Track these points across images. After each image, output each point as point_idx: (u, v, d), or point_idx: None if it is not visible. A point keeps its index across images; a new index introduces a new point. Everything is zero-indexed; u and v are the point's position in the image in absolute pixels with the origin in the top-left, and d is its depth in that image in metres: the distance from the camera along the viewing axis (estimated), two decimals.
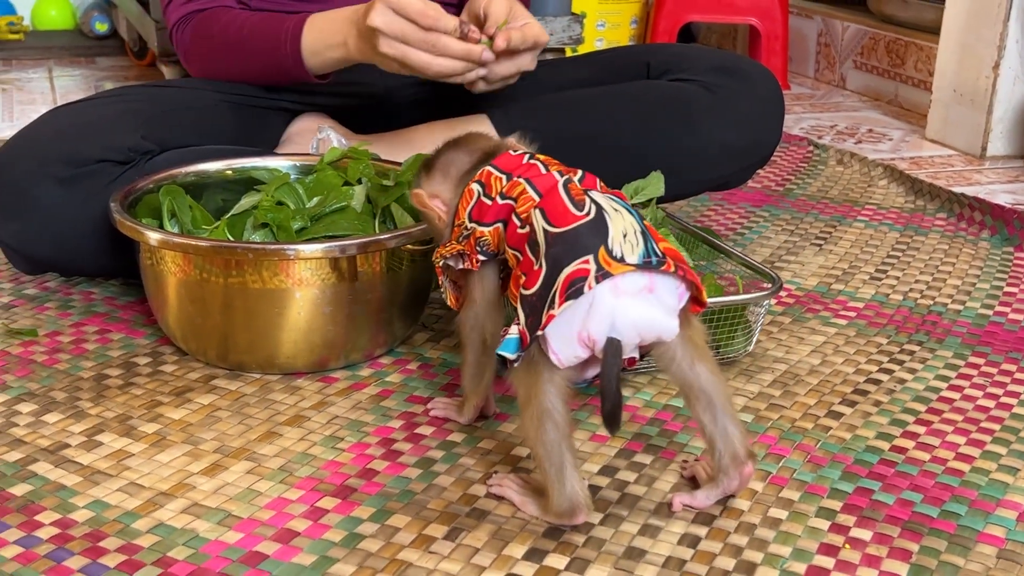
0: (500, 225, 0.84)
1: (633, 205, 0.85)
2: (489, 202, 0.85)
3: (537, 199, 0.82)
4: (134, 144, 1.16)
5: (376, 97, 1.39)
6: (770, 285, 1.06)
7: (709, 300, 0.92)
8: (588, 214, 0.77)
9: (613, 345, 0.75)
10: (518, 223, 0.82)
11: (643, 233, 0.77)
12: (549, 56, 2.09)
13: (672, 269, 0.76)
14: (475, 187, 0.87)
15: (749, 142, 1.32)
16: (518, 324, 0.78)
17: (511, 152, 0.89)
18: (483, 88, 1.22)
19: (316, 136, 1.31)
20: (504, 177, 0.86)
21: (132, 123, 1.19)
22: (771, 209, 1.57)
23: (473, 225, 0.86)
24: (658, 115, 1.29)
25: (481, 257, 0.86)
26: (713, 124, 1.28)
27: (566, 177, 0.82)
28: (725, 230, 1.48)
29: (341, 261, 0.98)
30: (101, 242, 1.13)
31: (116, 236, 1.06)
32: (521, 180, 0.84)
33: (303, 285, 0.98)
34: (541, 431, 0.78)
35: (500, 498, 0.85)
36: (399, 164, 1.18)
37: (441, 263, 0.89)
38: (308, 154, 1.25)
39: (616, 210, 0.78)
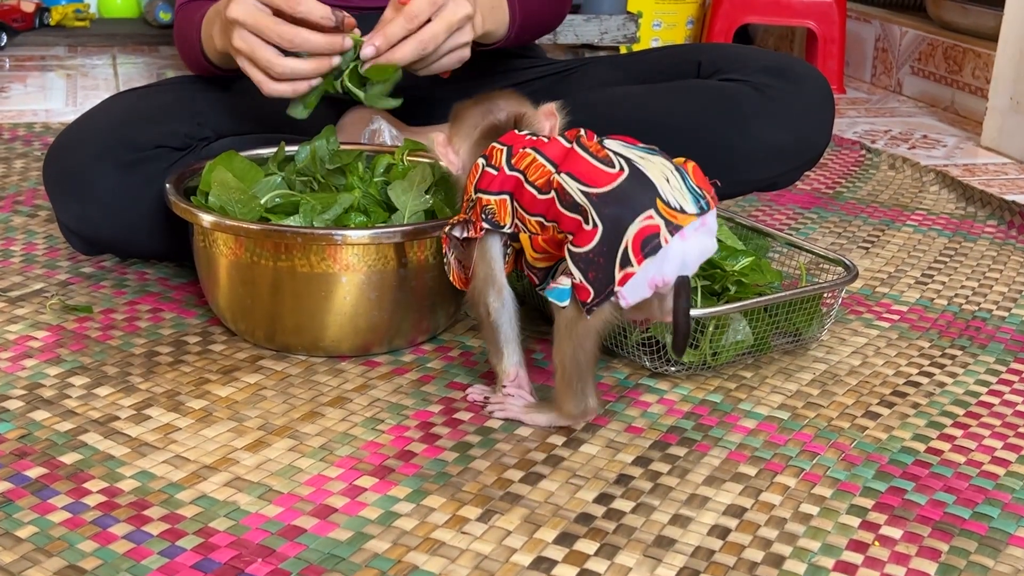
0: (507, 197, 0.88)
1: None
2: (494, 172, 0.90)
3: (552, 167, 0.85)
4: (191, 131, 1.19)
5: (423, 88, 1.41)
6: (844, 271, 1.11)
7: (795, 290, 1.06)
8: (622, 170, 0.84)
9: (684, 282, 0.84)
10: (535, 191, 0.85)
11: (678, 170, 0.86)
12: (602, 54, 2.10)
13: (717, 204, 0.86)
14: (480, 161, 0.92)
15: (798, 144, 1.32)
16: (571, 277, 0.84)
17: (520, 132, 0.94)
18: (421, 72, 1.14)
19: (368, 127, 1.33)
20: (505, 149, 0.90)
21: (189, 110, 1.22)
22: (820, 211, 1.57)
23: (479, 195, 0.90)
24: (707, 114, 1.29)
25: (485, 225, 0.89)
26: (762, 125, 1.28)
27: (576, 136, 0.88)
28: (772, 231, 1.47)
29: (387, 248, 1.00)
30: (157, 225, 1.16)
31: (171, 219, 1.09)
32: (528, 150, 0.87)
33: (350, 270, 1.00)
34: (588, 354, 0.88)
35: (536, 482, 0.86)
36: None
37: (447, 230, 0.93)
38: (361, 144, 1.28)
39: (643, 157, 0.85)
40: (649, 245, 0.82)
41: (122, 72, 2.34)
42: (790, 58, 1.38)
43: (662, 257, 0.82)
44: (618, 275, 0.83)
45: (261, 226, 1.00)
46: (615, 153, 0.85)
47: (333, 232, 0.99)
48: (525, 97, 1.12)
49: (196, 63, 1.29)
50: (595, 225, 0.83)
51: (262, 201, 1.06)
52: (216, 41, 1.16)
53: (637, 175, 0.83)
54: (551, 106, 0.97)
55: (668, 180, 0.84)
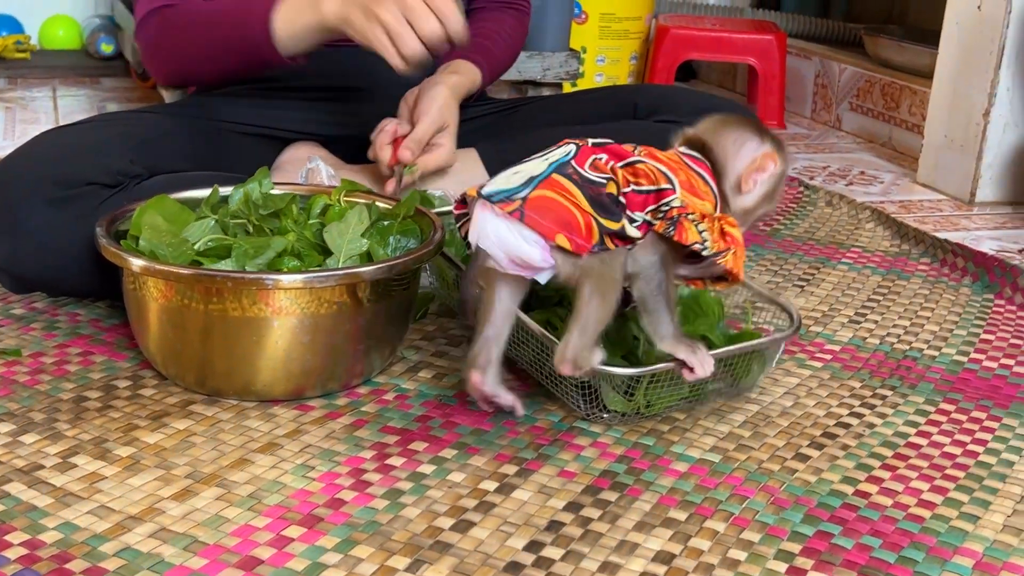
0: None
1: None
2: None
3: None
4: (123, 168, 1.18)
5: (369, 126, 1.41)
6: (784, 315, 1.12)
7: (736, 346, 1.05)
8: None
9: (476, 252, 0.96)
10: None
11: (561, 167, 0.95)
12: (545, 91, 2.11)
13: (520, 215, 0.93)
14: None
15: None
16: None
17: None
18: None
19: (306, 166, 1.33)
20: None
21: (122, 147, 1.21)
22: (756, 249, 1.59)
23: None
24: None
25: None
26: None
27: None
28: None
29: (320, 292, 1.00)
30: (88, 264, 1.15)
31: (103, 259, 1.07)
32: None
33: (281, 314, 1.00)
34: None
35: (466, 530, 0.86)
36: (392, 197, 1.20)
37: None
38: (297, 184, 1.27)
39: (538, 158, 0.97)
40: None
41: (62, 105, 2.32)
42: (722, 100, 1.41)
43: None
44: None
45: (192, 270, 0.99)
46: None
47: (264, 277, 0.98)
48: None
49: (229, 55, 1.30)
50: None
51: (194, 245, 1.05)
52: (324, 9, 1.21)
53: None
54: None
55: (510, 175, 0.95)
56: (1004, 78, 1.81)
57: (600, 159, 0.96)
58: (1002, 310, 1.40)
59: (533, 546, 0.85)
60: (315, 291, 1.00)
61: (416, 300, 1.17)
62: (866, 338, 1.28)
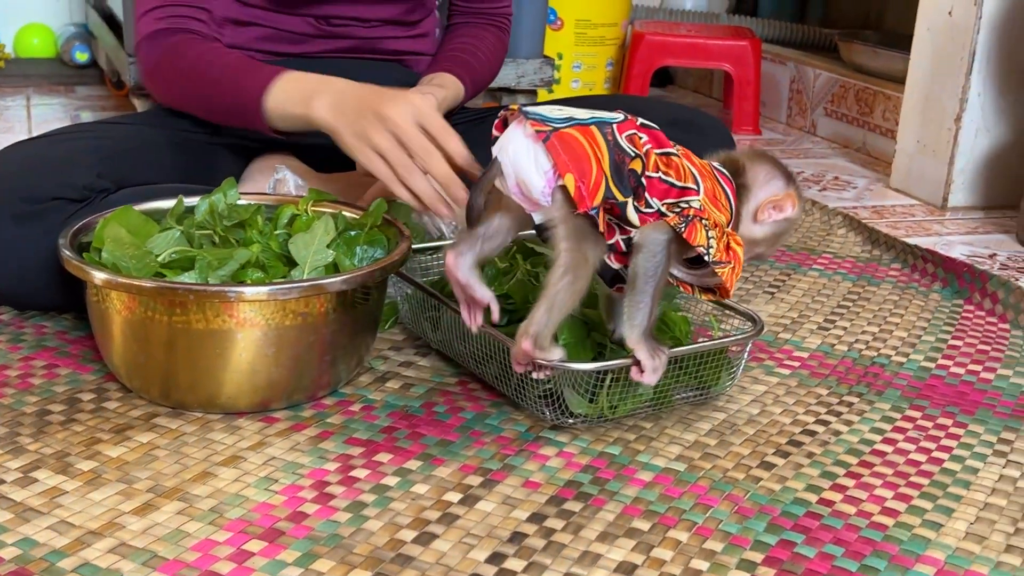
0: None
1: None
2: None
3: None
4: (89, 182, 1.18)
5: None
6: (749, 324, 1.12)
7: (692, 346, 1.06)
8: None
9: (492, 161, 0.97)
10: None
11: (598, 121, 0.96)
12: (520, 99, 2.11)
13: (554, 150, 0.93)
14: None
15: None
16: None
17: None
18: None
19: (273, 176, 1.33)
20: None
21: (88, 161, 1.21)
22: None
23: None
24: None
25: None
26: None
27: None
28: None
29: (284, 304, 0.99)
30: (54, 278, 1.14)
31: (69, 273, 1.07)
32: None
33: (245, 326, 0.99)
34: None
35: (429, 542, 0.86)
36: (359, 207, 1.20)
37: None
38: (265, 193, 1.27)
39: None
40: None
41: (36, 114, 2.31)
42: (692, 110, 1.41)
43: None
44: None
45: (154, 283, 0.99)
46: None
47: (226, 289, 0.98)
48: None
49: (224, 110, 1.29)
50: None
51: (159, 256, 1.05)
52: (314, 110, 1.20)
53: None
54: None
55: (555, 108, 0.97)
56: (975, 83, 1.82)
57: (640, 137, 0.97)
58: (971, 316, 1.41)
59: (495, 558, 0.84)
60: (278, 303, 0.99)
61: (383, 310, 1.16)
62: (834, 345, 1.29)
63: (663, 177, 0.96)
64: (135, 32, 1.35)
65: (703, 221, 0.96)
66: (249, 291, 0.98)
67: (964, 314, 1.41)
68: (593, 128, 0.95)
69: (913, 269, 1.56)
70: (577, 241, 0.95)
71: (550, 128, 0.93)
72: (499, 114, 0.98)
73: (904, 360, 1.25)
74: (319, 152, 1.45)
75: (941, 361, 1.25)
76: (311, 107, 1.21)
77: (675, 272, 1.03)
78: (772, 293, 1.45)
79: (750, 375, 1.19)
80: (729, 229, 1.01)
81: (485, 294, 1.02)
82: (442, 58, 1.46)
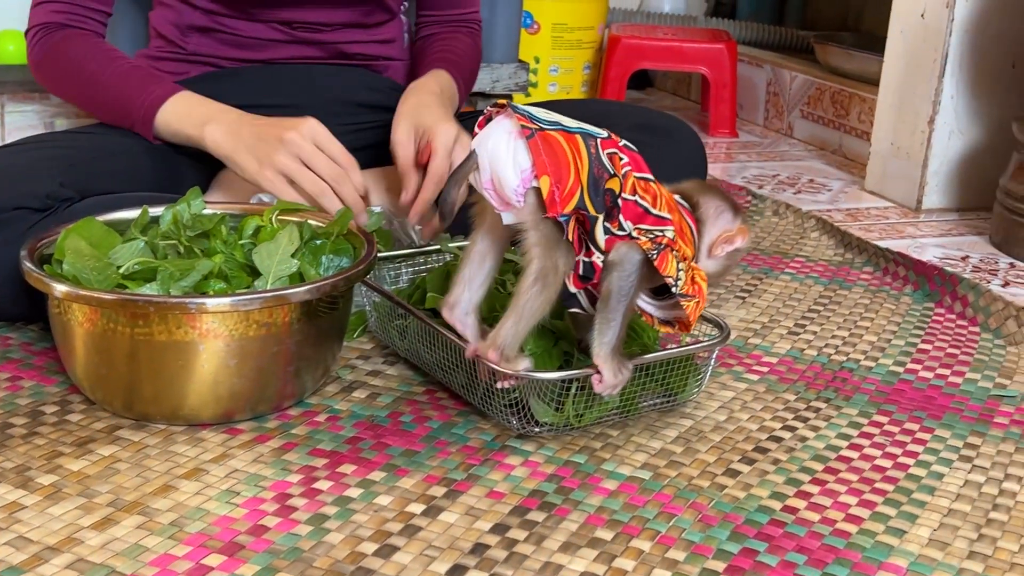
0: None
1: None
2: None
3: None
4: (52, 191, 1.17)
5: None
6: (717, 331, 1.12)
7: (658, 353, 1.06)
8: None
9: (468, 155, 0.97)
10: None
11: (584, 133, 0.97)
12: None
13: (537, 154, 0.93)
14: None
15: None
16: None
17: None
18: None
19: (257, 195, 1.31)
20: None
21: (51, 170, 1.20)
22: None
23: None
24: None
25: None
26: None
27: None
28: None
29: (246, 315, 0.99)
30: (18, 289, 1.13)
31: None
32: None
33: (207, 338, 0.99)
34: None
35: (390, 555, 0.85)
36: (325, 215, 1.20)
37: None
38: (231, 203, 1.26)
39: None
40: None
41: (9, 121, 2.30)
42: (661, 115, 1.41)
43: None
44: None
45: (115, 295, 0.98)
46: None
47: (187, 300, 0.97)
48: None
49: (107, 112, 1.33)
50: None
51: (121, 267, 1.04)
52: (207, 135, 1.25)
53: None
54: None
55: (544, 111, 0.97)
56: (948, 86, 1.82)
57: (620, 158, 0.97)
58: (941, 319, 1.41)
59: (456, 570, 0.84)
60: (241, 314, 0.99)
61: (349, 319, 1.16)
62: (804, 349, 1.29)
63: (639, 201, 0.96)
64: (28, 21, 1.36)
65: (674, 252, 0.96)
66: (211, 302, 0.98)
67: (935, 317, 1.41)
68: (579, 137, 0.95)
69: (885, 272, 1.56)
70: (547, 249, 0.95)
71: (536, 127, 0.93)
72: (485, 110, 0.98)
73: (873, 364, 1.25)
74: None
75: (910, 365, 1.25)
76: (204, 131, 1.26)
77: (639, 302, 1.03)
78: (743, 298, 1.45)
79: (719, 381, 1.19)
80: (694, 263, 1.01)
81: (471, 335, 1.03)
82: (428, 63, 1.45)
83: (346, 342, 1.24)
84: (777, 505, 0.95)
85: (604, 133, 0.98)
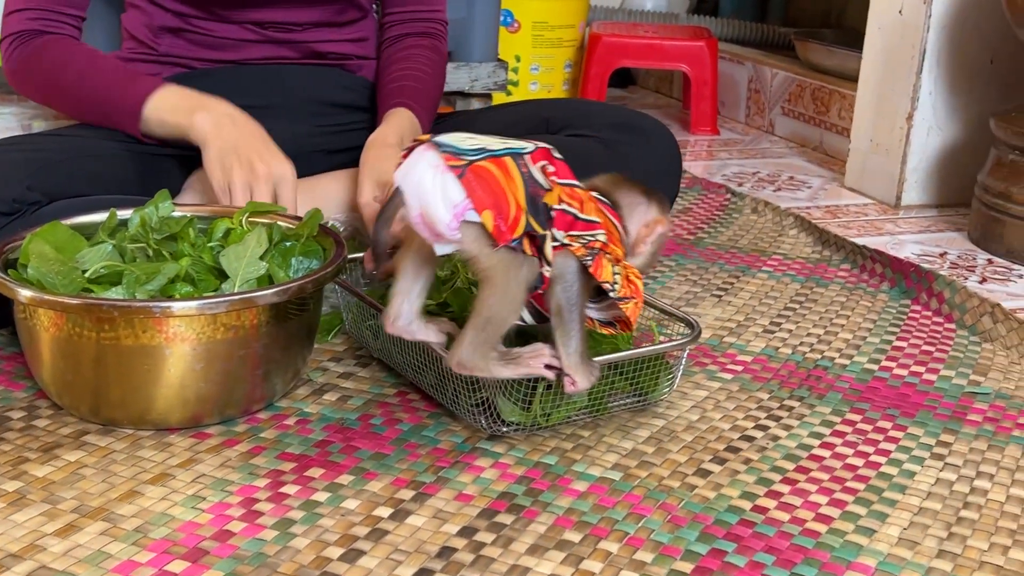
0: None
1: None
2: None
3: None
4: (19, 195, 1.16)
5: (283, 144, 1.40)
6: (688, 329, 1.11)
7: (626, 352, 1.04)
8: None
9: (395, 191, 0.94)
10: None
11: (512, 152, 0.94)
12: (476, 104, 2.10)
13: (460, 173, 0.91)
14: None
15: None
16: None
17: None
18: None
19: None
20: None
21: (19, 173, 1.19)
22: (679, 259, 1.59)
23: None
24: None
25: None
26: None
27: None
28: None
29: (212, 318, 0.98)
30: None
31: None
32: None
33: (174, 341, 0.98)
34: None
35: (355, 560, 0.85)
36: (295, 218, 1.19)
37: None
38: (202, 204, 1.25)
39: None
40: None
41: None
42: (636, 114, 1.40)
43: None
44: None
45: (79, 300, 0.98)
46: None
47: (151, 304, 0.96)
48: None
49: (92, 112, 1.33)
50: None
51: (88, 271, 1.04)
52: (196, 121, 1.26)
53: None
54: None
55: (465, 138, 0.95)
56: (926, 82, 1.82)
57: (549, 168, 0.96)
58: (917, 316, 1.41)
59: (422, 574, 0.83)
60: (207, 317, 0.98)
61: (319, 321, 1.15)
62: (779, 348, 1.28)
63: (567, 208, 0.96)
64: (1, 30, 1.35)
65: (607, 255, 0.96)
66: (177, 306, 0.97)
67: (911, 315, 1.41)
68: (507, 160, 0.94)
69: (862, 269, 1.56)
70: (504, 268, 0.94)
71: (464, 162, 0.91)
72: (405, 146, 0.97)
73: (847, 362, 1.25)
74: None
75: (884, 363, 1.25)
76: (194, 118, 1.26)
77: None
78: (720, 296, 1.44)
79: (692, 380, 1.18)
80: (626, 262, 1.01)
81: (429, 335, 1.03)
82: (388, 92, 1.44)
83: (320, 343, 1.23)
84: (747, 505, 0.95)
85: (530, 146, 0.97)
